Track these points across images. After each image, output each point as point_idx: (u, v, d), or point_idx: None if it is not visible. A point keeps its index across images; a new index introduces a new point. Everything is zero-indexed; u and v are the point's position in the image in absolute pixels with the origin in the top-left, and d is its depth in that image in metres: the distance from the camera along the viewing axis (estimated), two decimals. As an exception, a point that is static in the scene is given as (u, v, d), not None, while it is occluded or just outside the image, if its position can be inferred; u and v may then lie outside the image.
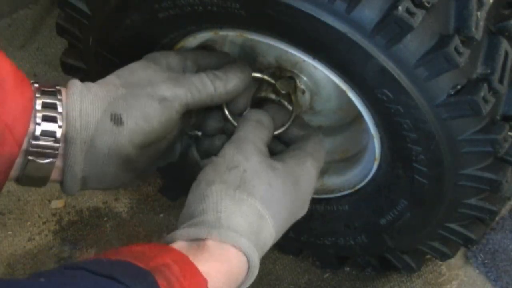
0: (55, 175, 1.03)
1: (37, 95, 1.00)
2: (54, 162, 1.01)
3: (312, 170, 1.09)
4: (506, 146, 1.05)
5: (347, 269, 1.47)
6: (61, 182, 1.04)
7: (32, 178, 1.02)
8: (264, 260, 1.48)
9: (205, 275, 0.89)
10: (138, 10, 1.09)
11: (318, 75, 1.19)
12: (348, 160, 1.31)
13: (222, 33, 1.11)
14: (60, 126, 1.00)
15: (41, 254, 1.48)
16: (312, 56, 1.07)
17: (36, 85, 1.02)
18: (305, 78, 1.21)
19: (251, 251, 0.96)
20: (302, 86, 1.21)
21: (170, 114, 1.05)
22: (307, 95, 1.22)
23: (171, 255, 0.89)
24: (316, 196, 1.32)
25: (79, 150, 1.01)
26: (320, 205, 1.31)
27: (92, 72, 1.26)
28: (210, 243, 0.94)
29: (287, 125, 1.17)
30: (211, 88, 1.09)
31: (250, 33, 1.09)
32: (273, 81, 1.20)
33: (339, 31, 0.97)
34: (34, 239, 1.50)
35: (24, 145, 0.99)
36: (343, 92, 1.10)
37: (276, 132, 1.15)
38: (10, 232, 1.51)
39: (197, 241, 0.95)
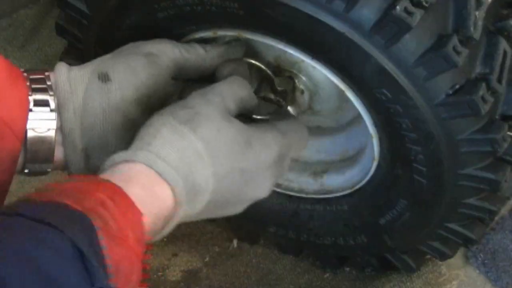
0: (58, 154, 1.01)
1: (28, 83, 1.00)
2: (53, 135, 0.99)
3: (272, 144, 1.03)
4: (505, 145, 1.05)
5: (347, 269, 1.47)
6: (65, 162, 1.03)
7: (36, 157, 1.00)
8: (264, 260, 1.49)
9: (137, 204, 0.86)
10: (138, 10, 1.09)
11: (317, 75, 1.19)
12: (348, 160, 1.31)
13: (221, 33, 1.11)
14: (51, 95, 0.99)
15: (41, 254, 1.48)
16: (310, 56, 1.07)
17: (25, 74, 1.02)
18: (304, 78, 1.21)
19: (177, 184, 0.92)
20: (301, 86, 1.21)
21: (158, 68, 1.04)
22: (306, 95, 1.22)
23: (105, 190, 0.85)
24: (315, 196, 1.32)
25: (73, 116, 1.00)
26: (319, 205, 1.31)
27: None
28: (137, 166, 0.91)
29: (267, 116, 1.13)
30: (200, 50, 1.09)
31: (249, 33, 1.09)
32: (272, 76, 1.19)
33: (337, 31, 0.97)
34: (34, 239, 1.50)
35: None
36: (342, 92, 1.10)
37: (259, 117, 1.12)
38: (10, 232, 1.51)
39: (126, 163, 0.91)
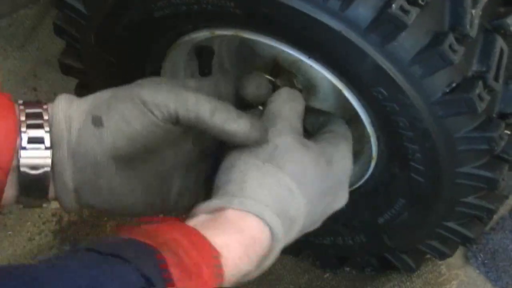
0: (50, 190, 0.99)
1: (22, 118, 0.96)
2: (48, 172, 0.97)
3: (346, 152, 1.06)
4: (502, 144, 1.05)
5: (347, 269, 1.47)
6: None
7: (29, 193, 0.97)
8: (264, 260, 1.49)
9: (221, 247, 0.86)
10: (135, 9, 1.09)
11: (315, 74, 1.19)
12: (346, 159, 1.31)
13: (218, 32, 1.11)
14: (47, 132, 0.96)
15: (41, 254, 1.48)
16: (307, 55, 1.07)
17: (21, 106, 0.98)
18: (302, 78, 1.21)
19: (275, 223, 0.92)
20: (299, 86, 1.21)
21: (152, 121, 0.97)
22: (304, 95, 1.22)
23: (180, 230, 0.85)
24: (314, 195, 1.32)
25: (66, 156, 0.97)
26: (318, 205, 1.31)
27: (90, 72, 1.26)
28: (230, 212, 0.91)
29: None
30: (205, 107, 0.98)
31: (246, 32, 1.09)
32: (272, 79, 1.19)
33: (333, 29, 0.97)
34: (34, 239, 1.51)
35: (15, 161, 0.95)
36: (340, 91, 1.10)
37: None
38: (10, 232, 1.51)
39: (218, 211, 0.91)
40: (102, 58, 1.20)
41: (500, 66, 1.02)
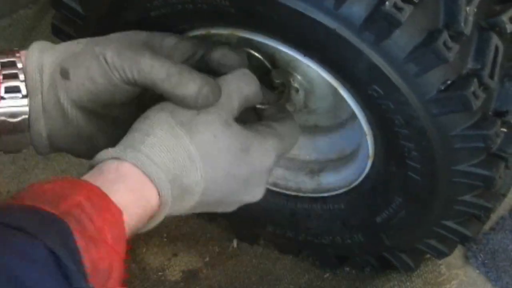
0: (27, 136, 1.03)
1: None
2: (26, 119, 1.00)
3: (270, 150, 1.03)
4: (498, 141, 1.05)
5: (347, 268, 1.47)
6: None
7: (9, 141, 1.01)
8: (264, 260, 1.49)
9: (122, 206, 0.87)
10: (131, 9, 1.10)
11: (312, 73, 1.19)
12: (344, 158, 1.31)
13: (214, 31, 1.12)
14: (22, 81, 1.00)
15: (41, 254, 1.49)
16: (303, 53, 1.07)
17: None
18: (299, 77, 1.21)
19: (164, 186, 0.92)
20: (296, 85, 1.21)
21: (113, 81, 1.00)
22: (301, 94, 1.22)
23: (83, 191, 0.85)
24: (312, 195, 1.32)
25: (39, 105, 1.01)
26: (316, 204, 1.32)
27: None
28: (126, 167, 0.91)
29: (266, 106, 1.12)
30: (158, 73, 0.99)
31: (241, 31, 1.10)
32: (270, 67, 1.18)
33: (327, 28, 0.97)
34: (34, 239, 1.51)
35: None
36: (336, 90, 1.10)
37: (259, 106, 1.11)
38: (10, 233, 1.52)
39: (115, 161, 0.92)
40: (100, 58, 1.20)
41: (495, 63, 1.02)
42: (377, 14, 0.95)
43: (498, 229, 1.48)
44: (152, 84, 0.98)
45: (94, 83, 1.00)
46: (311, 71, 1.19)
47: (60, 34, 1.23)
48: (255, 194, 1.05)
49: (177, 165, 0.94)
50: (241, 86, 1.03)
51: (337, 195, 1.29)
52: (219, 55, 1.07)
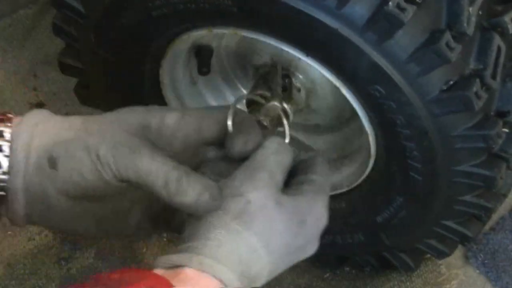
0: (3, 208, 0.98)
1: None
2: (3, 195, 0.96)
3: (323, 210, 1.02)
4: (499, 142, 1.05)
5: (347, 268, 1.47)
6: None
7: None
8: (264, 260, 1.49)
9: None
10: (132, 8, 1.10)
11: (314, 72, 1.20)
12: (345, 158, 1.31)
13: (216, 30, 1.12)
14: (6, 156, 0.95)
15: (41, 254, 1.48)
16: (305, 53, 1.07)
17: None
18: (300, 76, 1.21)
19: (233, 284, 0.91)
20: (298, 84, 1.22)
21: (104, 178, 0.95)
22: (303, 93, 1.23)
23: (147, 281, 0.84)
24: (313, 194, 1.32)
25: (21, 186, 0.96)
26: (317, 204, 1.31)
27: (89, 71, 1.27)
28: (188, 271, 0.89)
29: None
30: (156, 179, 0.94)
31: (243, 30, 1.09)
32: (263, 101, 1.18)
33: (330, 27, 0.97)
34: (34, 239, 1.51)
35: None
36: (338, 90, 1.10)
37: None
38: (10, 232, 1.51)
39: (177, 268, 0.90)
40: (101, 57, 1.20)
41: (498, 64, 1.02)
42: (379, 14, 0.95)
43: (498, 229, 1.48)
44: (149, 187, 0.95)
45: (83, 178, 0.95)
46: (313, 70, 1.19)
47: (61, 34, 1.23)
48: (311, 252, 1.04)
49: (242, 260, 0.93)
50: (279, 159, 1.01)
51: (338, 194, 1.29)
52: (242, 143, 1.01)
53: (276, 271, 1.00)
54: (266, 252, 0.95)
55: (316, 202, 1.01)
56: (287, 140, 1.06)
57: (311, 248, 1.03)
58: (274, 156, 1.00)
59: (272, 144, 1.01)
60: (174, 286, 0.86)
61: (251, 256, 0.94)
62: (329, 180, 1.07)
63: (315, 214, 1.01)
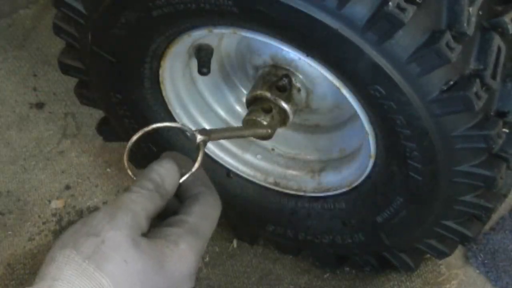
0: None
1: None
2: None
3: (187, 253, 0.97)
4: (500, 142, 1.05)
5: (347, 268, 1.47)
6: None
7: None
8: (264, 260, 1.49)
9: None
10: (133, 8, 1.10)
11: (313, 72, 1.20)
12: (345, 158, 1.31)
13: (216, 30, 1.12)
14: None
15: (41, 254, 1.48)
16: (305, 53, 1.07)
17: None
18: (300, 76, 1.21)
19: None
20: (298, 84, 1.22)
21: None
22: (302, 93, 1.23)
23: None
24: (313, 194, 1.32)
25: None
26: (317, 203, 1.32)
27: (89, 71, 1.27)
28: None
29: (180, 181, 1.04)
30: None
31: (243, 30, 1.09)
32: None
33: (330, 28, 0.97)
34: (34, 239, 1.51)
35: None
36: (338, 90, 1.10)
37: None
38: (10, 232, 1.52)
39: None
40: (101, 57, 1.20)
41: (498, 64, 1.02)
42: (380, 15, 0.95)
43: (498, 229, 1.48)
44: None
45: None
46: (313, 70, 1.19)
47: (61, 34, 1.23)
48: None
49: None
50: (145, 207, 0.98)
51: (338, 194, 1.29)
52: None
53: None
54: None
55: (177, 245, 0.97)
56: (194, 168, 1.04)
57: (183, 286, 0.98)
58: (142, 197, 0.98)
59: (138, 188, 0.99)
60: None
61: None
62: (208, 221, 1.03)
63: (175, 257, 0.97)
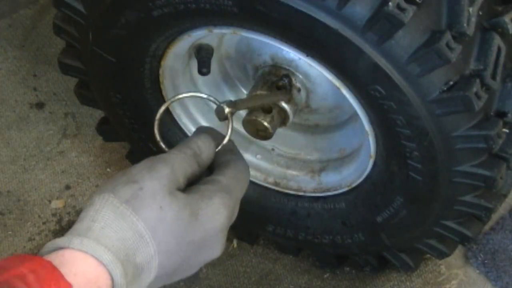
0: None
1: None
2: None
3: (220, 207, 1.02)
4: (500, 142, 1.05)
5: (347, 268, 1.47)
6: None
7: None
8: (264, 260, 1.49)
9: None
10: (133, 8, 1.10)
11: (314, 72, 1.20)
12: (345, 158, 1.31)
13: (216, 30, 1.12)
14: None
15: (41, 254, 1.49)
16: (305, 53, 1.07)
17: None
18: (300, 76, 1.21)
19: (114, 267, 0.90)
20: (298, 84, 1.22)
21: None
22: (302, 93, 1.23)
23: (29, 264, 0.84)
24: (313, 194, 1.32)
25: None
26: (317, 203, 1.32)
27: (89, 71, 1.27)
28: (69, 252, 0.89)
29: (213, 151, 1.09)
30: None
31: (243, 30, 1.09)
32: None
33: (330, 28, 0.97)
34: (34, 239, 1.51)
35: None
36: (338, 90, 1.10)
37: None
38: (10, 232, 1.52)
39: (60, 250, 0.90)
40: (101, 57, 1.20)
41: (498, 64, 1.02)
42: (380, 15, 0.95)
43: (498, 229, 1.48)
44: None
45: None
46: (312, 70, 1.19)
47: (61, 34, 1.23)
48: (213, 253, 1.03)
49: (128, 244, 0.93)
50: (183, 166, 1.03)
51: (338, 194, 1.29)
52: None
53: (171, 267, 0.98)
54: (154, 240, 0.95)
55: (211, 199, 1.01)
56: (226, 140, 1.10)
57: (215, 247, 1.02)
58: (180, 160, 1.03)
59: (185, 149, 1.05)
60: (56, 267, 0.86)
61: (137, 242, 0.94)
62: (239, 183, 1.08)
63: (209, 210, 1.01)
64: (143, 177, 0.98)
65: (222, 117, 1.11)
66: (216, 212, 1.01)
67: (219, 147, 1.10)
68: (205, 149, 1.07)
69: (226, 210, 1.02)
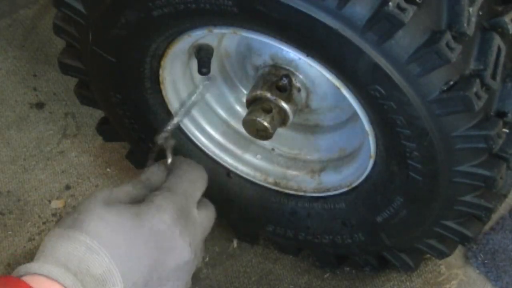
0: None
1: None
2: None
3: (162, 202, 1.06)
4: (500, 142, 1.05)
5: (347, 268, 1.47)
6: None
7: None
8: (264, 260, 1.49)
9: None
10: (133, 8, 1.10)
11: (314, 72, 1.20)
12: (345, 158, 1.31)
13: (216, 30, 1.12)
14: None
15: (41, 254, 1.49)
16: (305, 53, 1.07)
17: None
18: (300, 76, 1.21)
19: (69, 280, 0.95)
20: (298, 84, 1.22)
21: None
22: (303, 93, 1.22)
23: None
24: (313, 194, 1.32)
25: None
26: (317, 203, 1.32)
27: (89, 71, 1.27)
28: (27, 278, 0.95)
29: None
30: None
31: (243, 30, 1.09)
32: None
33: (330, 28, 0.98)
34: (34, 239, 1.51)
35: None
36: (338, 90, 1.10)
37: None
38: (10, 232, 1.52)
39: (26, 276, 0.95)
40: (101, 57, 1.20)
41: (498, 64, 1.02)
42: (380, 15, 0.95)
43: (498, 229, 1.48)
44: None
45: None
46: (312, 70, 1.19)
47: (61, 34, 1.23)
48: (180, 252, 1.05)
49: (78, 258, 0.98)
50: (126, 188, 1.09)
51: (338, 194, 1.29)
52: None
53: (135, 275, 1.01)
54: (103, 246, 0.99)
55: (153, 201, 1.06)
56: (168, 162, 1.17)
57: (173, 246, 1.04)
58: (125, 183, 1.10)
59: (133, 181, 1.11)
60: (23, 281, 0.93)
61: (86, 254, 0.98)
62: (184, 179, 1.12)
63: (151, 206, 1.05)
64: (81, 204, 1.04)
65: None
66: (161, 209, 1.05)
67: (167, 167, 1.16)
68: (154, 175, 1.14)
69: (169, 204, 1.06)
